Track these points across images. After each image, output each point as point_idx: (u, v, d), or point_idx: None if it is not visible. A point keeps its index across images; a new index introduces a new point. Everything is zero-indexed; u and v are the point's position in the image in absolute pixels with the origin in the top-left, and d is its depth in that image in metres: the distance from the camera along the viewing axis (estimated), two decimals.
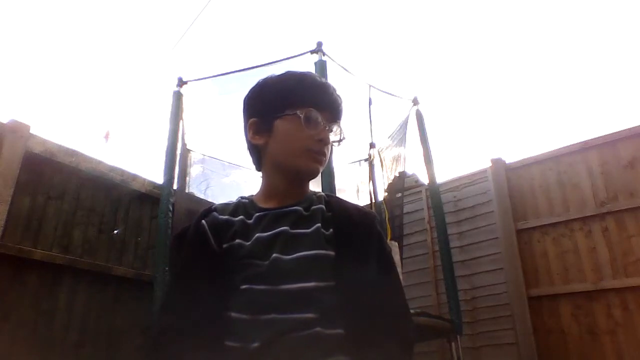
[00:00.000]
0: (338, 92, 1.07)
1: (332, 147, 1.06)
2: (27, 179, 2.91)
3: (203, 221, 1.00)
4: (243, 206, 1.04)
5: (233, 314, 0.90)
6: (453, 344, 3.35)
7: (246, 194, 1.10)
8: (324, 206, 1.03)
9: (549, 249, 3.74)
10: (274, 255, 0.92)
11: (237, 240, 0.95)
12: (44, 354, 2.78)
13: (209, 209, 1.05)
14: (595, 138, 3.74)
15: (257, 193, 1.07)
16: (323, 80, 1.08)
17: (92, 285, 3.14)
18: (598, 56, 7.03)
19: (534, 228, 3.84)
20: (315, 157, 1.00)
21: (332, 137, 1.04)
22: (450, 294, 3.48)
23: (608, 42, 6.87)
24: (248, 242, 0.95)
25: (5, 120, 2.87)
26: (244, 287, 0.91)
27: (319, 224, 0.98)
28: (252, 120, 1.05)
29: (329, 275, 0.92)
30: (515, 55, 8.16)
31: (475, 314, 3.99)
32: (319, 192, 1.11)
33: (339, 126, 1.05)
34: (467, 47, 8.30)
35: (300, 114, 0.99)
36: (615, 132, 3.65)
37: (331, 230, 0.98)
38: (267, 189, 1.06)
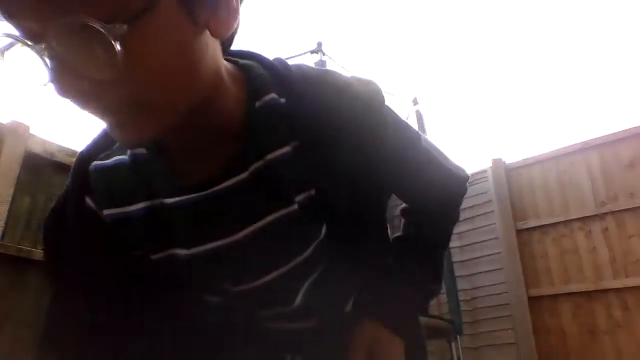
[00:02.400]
0: None
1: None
2: (27, 179, 2.91)
3: (88, 200, 0.62)
4: (144, 173, 0.59)
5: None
6: (453, 344, 3.35)
7: None
8: (289, 148, 0.57)
9: (549, 249, 3.74)
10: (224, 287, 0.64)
11: (155, 255, 0.62)
12: (44, 353, 2.78)
13: (84, 171, 0.62)
14: (595, 138, 3.73)
15: None
16: None
17: None
18: (598, 56, 7.03)
19: (534, 228, 3.84)
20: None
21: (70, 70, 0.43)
22: (450, 294, 3.48)
23: (608, 42, 6.88)
24: (162, 252, 0.62)
25: (5, 121, 2.87)
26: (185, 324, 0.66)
27: (291, 207, 0.58)
28: None
29: (310, 293, 0.66)
30: (515, 55, 8.16)
31: (475, 314, 3.99)
32: (272, 100, 0.57)
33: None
34: (467, 47, 8.31)
35: None
36: (615, 132, 3.65)
37: (312, 192, 0.58)
38: None
